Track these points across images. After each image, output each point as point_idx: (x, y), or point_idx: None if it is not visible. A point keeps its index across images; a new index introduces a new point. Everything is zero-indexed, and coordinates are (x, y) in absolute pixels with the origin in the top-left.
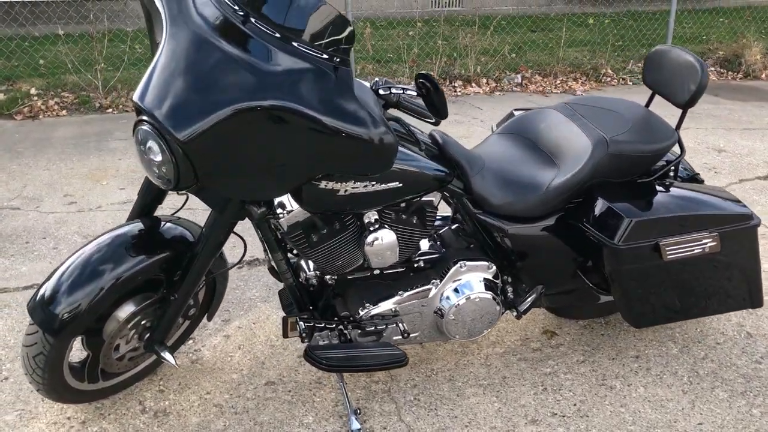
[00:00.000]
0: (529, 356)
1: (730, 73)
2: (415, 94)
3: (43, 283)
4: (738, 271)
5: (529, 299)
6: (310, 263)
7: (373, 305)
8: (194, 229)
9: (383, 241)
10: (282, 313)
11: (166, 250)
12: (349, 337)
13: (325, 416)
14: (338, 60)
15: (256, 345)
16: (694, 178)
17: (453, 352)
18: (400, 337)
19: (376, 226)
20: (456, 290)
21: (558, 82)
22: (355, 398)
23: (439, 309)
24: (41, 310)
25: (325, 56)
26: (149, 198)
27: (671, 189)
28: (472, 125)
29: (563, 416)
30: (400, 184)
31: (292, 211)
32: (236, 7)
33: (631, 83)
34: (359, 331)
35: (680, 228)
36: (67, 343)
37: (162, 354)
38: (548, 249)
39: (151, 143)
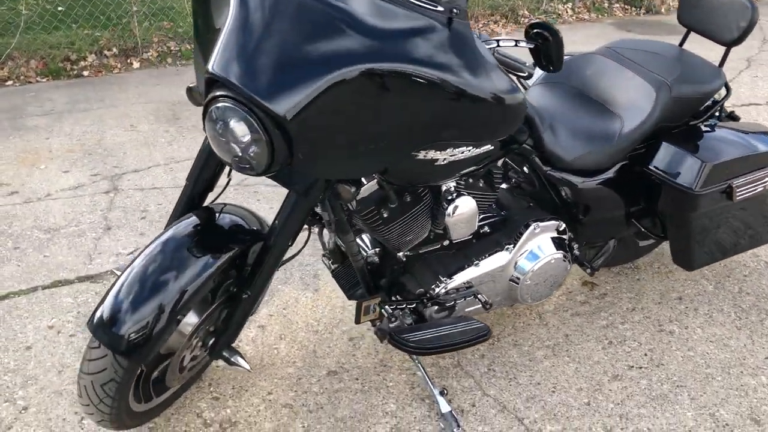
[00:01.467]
0: (581, 310)
1: (633, 9)
2: (532, 45)
3: (105, 299)
4: None
5: (603, 254)
6: (368, 242)
7: (449, 278)
8: (248, 215)
9: (464, 209)
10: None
11: (233, 244)
12: (425, 315)
13: (406, 401)
14: (456, 12)
15: (297, 333)
16: (732, 117)
17: (505, 316)
18: (476, 308)
19: (455, 194)
20: (532, 253)
21: (480, 26)
22: (422, 379)
23: (516, 274)
24: (109, 330)
25: (440, 8)
26: (201, 187)
27: (727, 130)
28: None
29: (640, 368)
30: (492, 147)
31: (363, 185)
32: None
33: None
34: (436, 307)
35: (746, 168)
36: (141, 364)
37: (233, 359)
38: (612, 199)
39: (234, 123)
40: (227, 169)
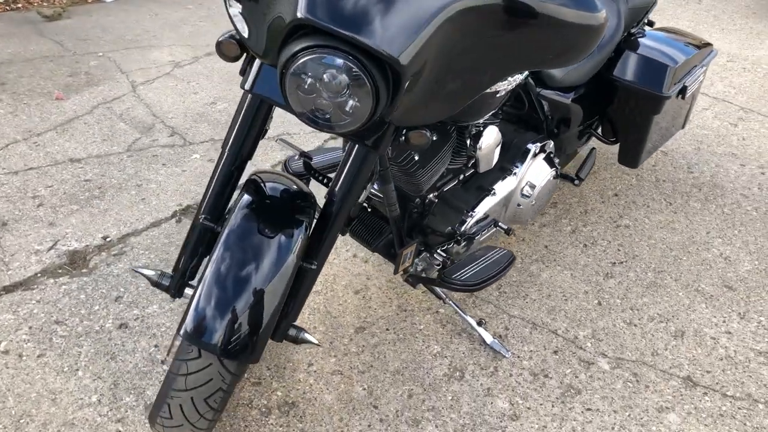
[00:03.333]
0: (544, 221)
1: None
2: None
3: (195, 304)
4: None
5: (588, 164)
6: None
7: (473, 211)
8: (290, 181)
9: (491, 139)
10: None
11: (300, 216)
12: (452, 254)
13: (446, 340)
14: None
15: None
16: (649, 23)
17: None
18: (491, 236)
19: (481, 126)
20: (534, 175)
21: None
22: (448, 315)
23: (521, 197)
24: (211, 335)
25: None
26: (244, 155)
27: (661, 35)
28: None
29: (622, 263)
30: (522, 75)
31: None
32: None
33: None
34: (464, 244)
35: (689, 68)
36: (253, 362)
37: (300, 336)
38: (585, 111)
39: (333, 74)
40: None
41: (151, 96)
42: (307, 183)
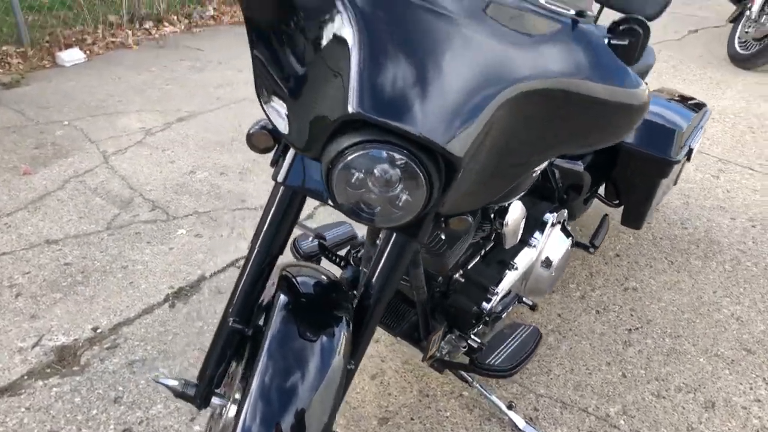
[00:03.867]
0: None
1: None
2: (625, 42)
3: (241, 423)
4: None
5: (602, 231)
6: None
7: (497, 287)
8: (319, 272)
9: (517, 214)
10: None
11: (338, 312)
12: (479, 334)
13: (476, 426)
14: (583, 13)
15: None
16: None
17: None
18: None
19: (505, 202)
20: (552, 246)
21: None
22: (473, 399)
23: (541, 269)
24: None
25: (572, 11)
26: (275, 251)
27: (660, 98)
28: (218, 71)
29: (637, 329)
30: None
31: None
32: None
33: None
34: (489, 323)
35: (693, 129)
36: None
37: None
38: (593, 176)
39: (385, 168)
40: None
41: (126, 167)
42: (318, 262)
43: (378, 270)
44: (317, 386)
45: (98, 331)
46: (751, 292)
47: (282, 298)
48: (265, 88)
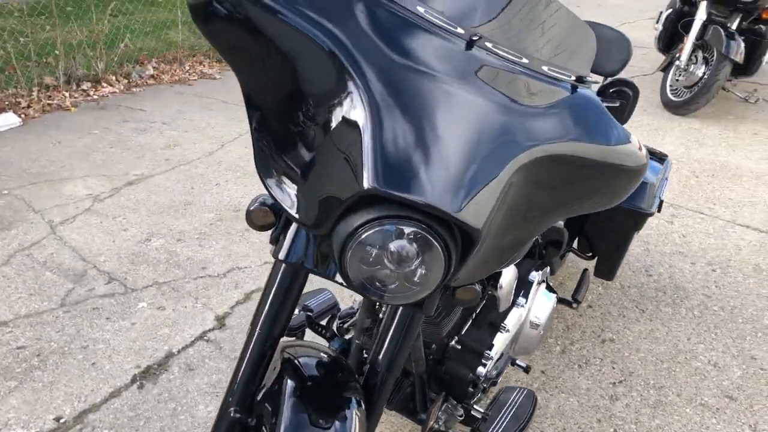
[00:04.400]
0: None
1: None
2: (617, 104)
3: None
4: None
5: (584, 285)
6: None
7: (490, 352)
8: (320, 352)
9: (510, 277)
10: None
11: (347, 393)
12: (477, 403)
13: None
14: (586, 78)
15: None
16: None
17: None
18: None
19: None
20: (539, 304)
21: (188, 68)
22: None
23: (529, 329)
24: None
25: (573, 77)
26: (277, 332)
27: None
28: (164, 131)
29: (621, 381)
30: None
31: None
32: (460, 31)
33: None
34: (486, 389)
35: (662, 182)
36: None
37: None
38: (569, 232)
39: (401, 244)
40: None
41: (75, 237)
42: (302, 337)
43: (385, 345)
44: None
45: (62, 420)
46: (722, 337)
47: (290, 384)
48: (266, 166)
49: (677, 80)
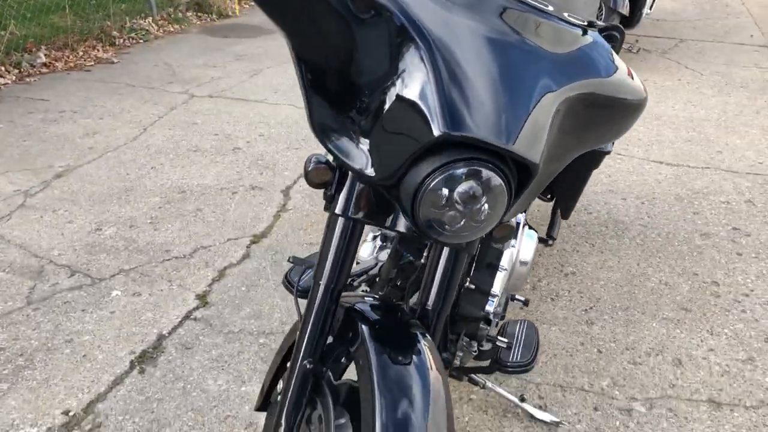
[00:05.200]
0: None
1: (206, 15)
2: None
3: None
4: None
5: (556, 224)
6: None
7: (495, 290)
8: (372, 298)
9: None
10: None
11: (412, 330)
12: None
13: (495, 426)
14: (593, 23)
15: None
16: None
17: None
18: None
19: None
20: (525, 243)
21: (81, 53)
22: (483, 400)
23: (521, 266)
24: None
25: (585, 21)
26: (342, 282)
27: None
28: (77, 120)
29: (592, 307)
30: None
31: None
32: None
33: (142, 41)
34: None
35: None
36: None
37: None
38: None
39: (472, 184)
40: None
41: (18, 234)
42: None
43: (434, 288)
44: (427, 408)
45: (71, 414)
46: (666, 259)
47: (363, 329)
48: (324, 124)
49: None
